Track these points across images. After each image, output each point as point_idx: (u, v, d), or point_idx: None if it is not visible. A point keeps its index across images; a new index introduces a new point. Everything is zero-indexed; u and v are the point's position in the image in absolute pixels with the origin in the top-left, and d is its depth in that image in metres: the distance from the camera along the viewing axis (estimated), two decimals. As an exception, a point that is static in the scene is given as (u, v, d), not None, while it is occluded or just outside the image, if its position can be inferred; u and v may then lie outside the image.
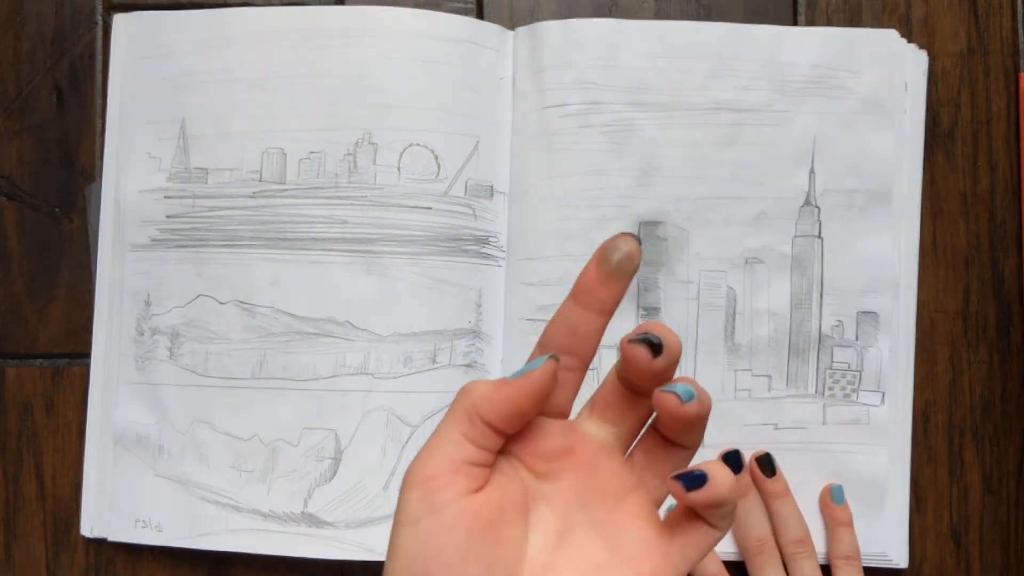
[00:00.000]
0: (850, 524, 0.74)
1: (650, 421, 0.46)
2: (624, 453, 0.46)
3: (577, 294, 0.43)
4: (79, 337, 0.78)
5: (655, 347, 0.41)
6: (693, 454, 0.46)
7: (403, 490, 0.41)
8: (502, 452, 0.43)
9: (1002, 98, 0.79)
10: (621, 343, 0.42)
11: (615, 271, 0.42)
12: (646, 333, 0.41)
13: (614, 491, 0.44)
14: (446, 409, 0.74)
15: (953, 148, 0.78)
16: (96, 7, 0.79)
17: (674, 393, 0.41)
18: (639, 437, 0.47)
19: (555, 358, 0.42)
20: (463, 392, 0.42)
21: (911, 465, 0.77)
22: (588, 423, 0.46)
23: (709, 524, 0.43)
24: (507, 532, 0.41)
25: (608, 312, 0.43)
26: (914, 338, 0.77)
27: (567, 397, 0.45)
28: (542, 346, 0.44)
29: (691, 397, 0.41)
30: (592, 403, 0.47)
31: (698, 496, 0.41)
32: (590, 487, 0.44)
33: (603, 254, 0.42)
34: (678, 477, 0.41)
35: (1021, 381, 0.78)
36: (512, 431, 0.42)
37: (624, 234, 0.42)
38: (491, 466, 0.42)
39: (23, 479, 0.78)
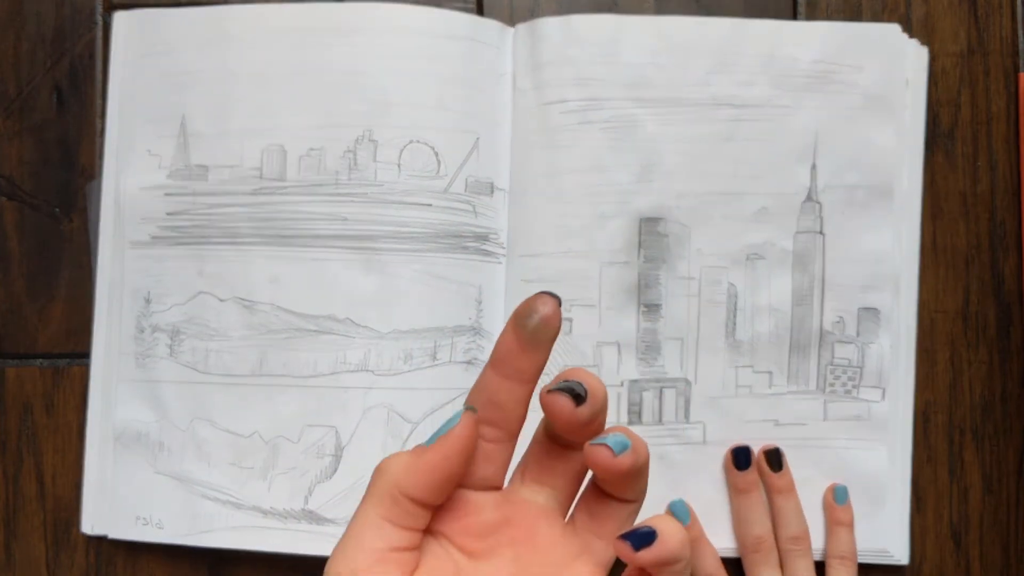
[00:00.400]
0: (850, 525, 0.74)
1: (588, 478, 0.43)
2: (564, 516, 0.43)
3: (495, 362, 0.39)
4: (79, 337, 0.78)
5: (577, 396, 0.38)
6: (639, 507, 0.43)
7: None
8: (430, 534, 0.40)
9: (1002, 98, 0.79)
10: (540, 394, 0.39)
11: (531, 338, 0.38)
12: (566, 381, 0.38)
13: (558, 560, 0.41)
14: (447, 406, 0.75)
15: (953, 148, 0.78)
16: (96, 7, 0.79)
17: (604, 445, 0.38)
18: (578, 497, 0.44)
19: (472, 410, 0.39)
20: (378, 471, 0.39)
21: (911, 465, 0.77)
22: (522, 489, 0.43)
23: None
24: None
25: (530, 381, 0.40)
26: (915, 335, 0.77)
27: (495, 470, 0.41)
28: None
29: (624, 448, 0.38)
30: (523, 466, 0.43)
31: (648, 555, 0.37)
32: (531, 560, 0.41)
33: (518, 318, 0.38)
34: (625, 537, 0.38)
35: (1021, 381, 0.78)
36: (440, 501, 0.39)
37: (542, 294, 0.38)
38: (419, 549, 0.39)
39: (23, 479, 0.78)
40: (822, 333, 0.76)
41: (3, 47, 0.79)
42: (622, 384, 0.75)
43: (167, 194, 0.76)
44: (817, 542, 0.75)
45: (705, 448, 0.76)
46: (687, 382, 0.76)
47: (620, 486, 0.41)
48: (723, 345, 0.76)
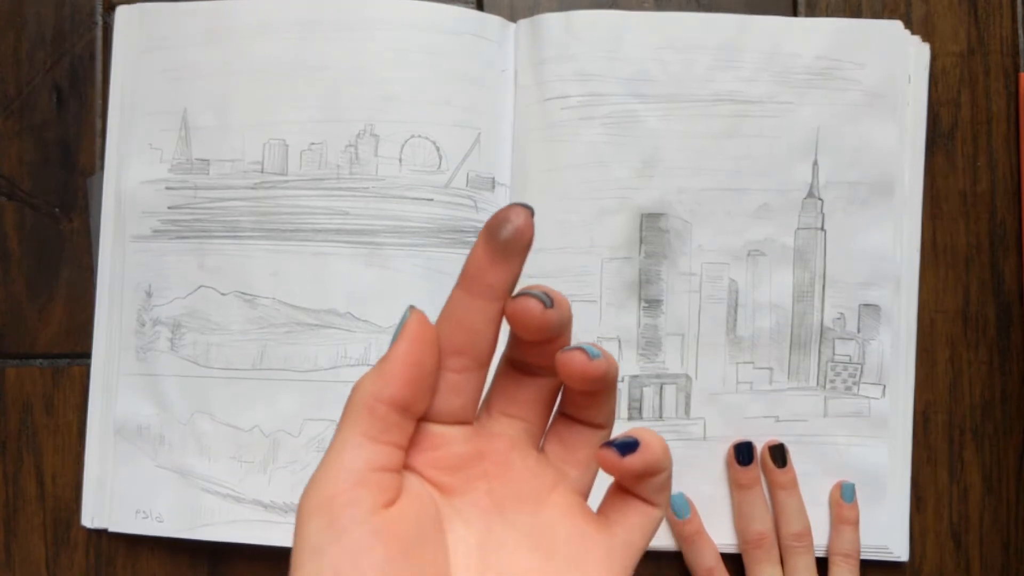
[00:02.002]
0: (855, 524, 0.74)
1: (556, 407, 0.42)
2: (536, 447, 0.41)
3: (465, 279, 0.37)
4: (79, 337, 0.78)
5: (544, 301, 0.36)
6: (609, 434, 0.42)
7: (299, 520, 0.35)
8: (405, 470, 0.38)
9: (1002, 98, 0.79)
10: (505, 308, 0.37)
11: (504, 248, 0.36)
12: (529, 288, 0.37)
13: (534, 490, 0.40)
14: None
15: (953, 148, 0.78)
16: (96, 7, 0.79)
17: (580, 349, 0.37)
18: (548, 428, 0.42)
19: (413, 307, 0.38)
20: (353, 390, 0.37)
21: (911, 465, 0.77)
22: (491, 423, 0.41)
23: (647, 502, 0.40)
24: (429, 550, 0.36)
25: (500, 298, 0.37)
26: (915, 332, 0.77)
27: (464, 403, 0.39)
28: None
29: (597, 354, 0.37)
30: (489, 400, 0.41)
31: (634, 461, 0.37)
32: (507, 491, 0.39)
33: (491, 230, 0.36)
34: (609, 444, 0.38)
35: (1021, 381, 0.78)
36: (419, 401, 0.37)
37: (514, 205, 0.36)
38: (400, 472, 0.37)
39: (23, 479, 0.78)
40: (823, 329, 0.76)
41: (3, 47, 0.79)
42: (623, 380, 0.75)
43: (168, 188, 0.76)
44: (817, 539, 0.75)
45: (705, 444, 0.76)
46: (688, 378, 0.76)
47: (591, 402, 0.40)
48: (724, 341, 0.76)
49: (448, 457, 0.38)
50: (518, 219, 0.36)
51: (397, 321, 0.38)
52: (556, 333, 0.38)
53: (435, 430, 0.38)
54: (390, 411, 0.36)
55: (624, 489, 0.40)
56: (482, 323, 0.37)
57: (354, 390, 0.37)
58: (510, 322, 0.38)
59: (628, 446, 0.38)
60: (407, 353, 0.36)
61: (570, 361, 0.37)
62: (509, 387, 0.41)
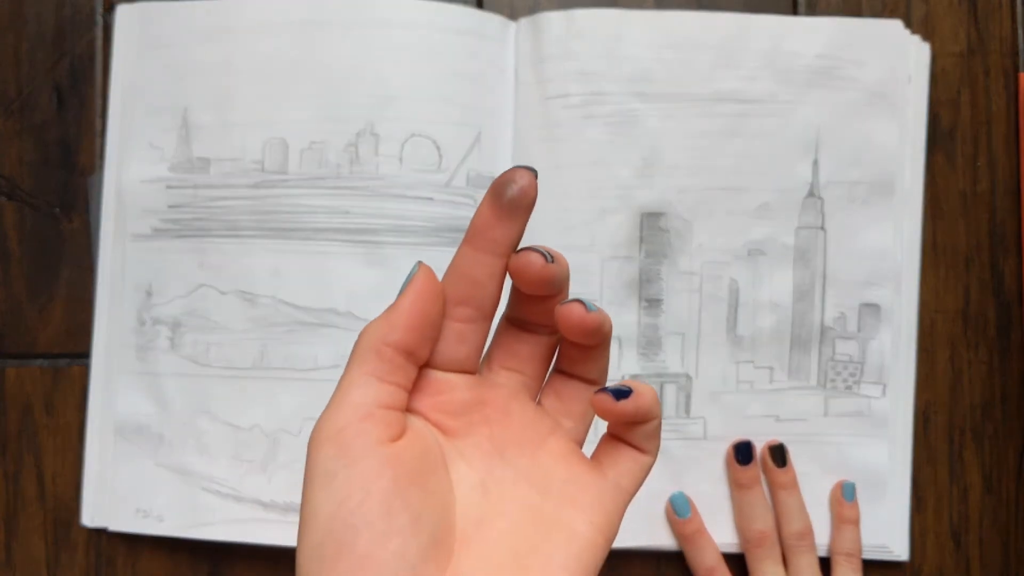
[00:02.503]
0: (856, 522, 0.75)
1: (552, 365, 0.45)
2: (534, 399, 0.45)
3: (471, 236, 0.40)
4: (79, 337, 0.78)
5: (545, 255, 0.39)
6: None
7: (311, 450, 0.38)
8: (409, 411, 0.41)
9: (1002, 98, 0.79)
10: (509, 263, 0.40)
11: (509, 206, 0.39)
12: (529, 246, 0.40)
13: (532, 436, 0.43)
14: None
15: (953, 148, 0.78)
16: (96, 7, 0.79)
17: (578, 301, 0.40)
18: (544, 384, 0.45)
19: (421, 262, 0.41)
20: (359, 336, 0.40)
21: (911, 463, 0.77)
22: (491, 375, 0.44)
23: (637, 448, 0.43)
24: (433, 481, 0.39)
25: (504, 254, 0.40)
26: (916, 331, 0.77)
27: (468, 352, 0.42)
28: None
29: (593, 308, 0.40)
30: (489, 357, 0.45)
31: (627, 405, 0.40)
32: (507, 436, 0.42)
33: (497, 189, 0.39)
34: (604, 390, 0.41)
35: (1021, 381, 0.78)
36: (423, 347, 0.40)
37: (519, 167, 0.39)
38: (404, 411, 0.40)
39: (23, 479, 0.78)
40: (823, 329, 0.76)
41: (3, 47, 0.79)
42: (623, 379, 0.75)
43: (168, 187, 0.76)
44: (818, 538, 0.75)
45: (705, 443, 0.76)
46: (688, 377, 0.76)
47: (587, 356, 0.43)
48: (724, 340, 0.76)
49: (452, 402, 0.41)
50: (522, 180, 0.39)
51: (406, 275, 0.41)
52: (556, 288, 0.41)
53: (441, 377, 0.41)
54: (396, 354, 0.39)
55: (616, 437, 0.43)
56: (486, 277, 0.40)
57: (362, 334, 0.40)
58: (513, 276, 0.41)
59: (622, 392, 0.40)
60: (413, 303, 0.39)
61: (569, 312, 0.40)
62: (509, 343, 0.44)
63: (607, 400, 0.40)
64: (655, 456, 0.43)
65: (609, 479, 0.42)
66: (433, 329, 0.40)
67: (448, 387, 0.42)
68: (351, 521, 0.36)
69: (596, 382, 0.45)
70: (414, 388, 0.41)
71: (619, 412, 0.41)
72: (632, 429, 0.42)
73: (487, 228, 0.40)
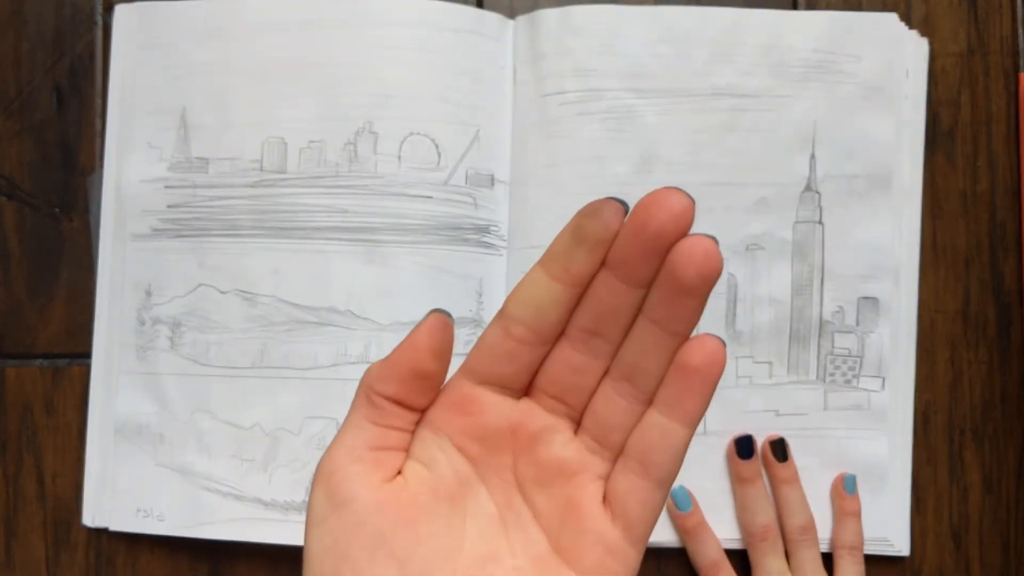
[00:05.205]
0: (858, 515, 0.74)
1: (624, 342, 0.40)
2: (571, 431, 0.41)
3: (545, 259, 0.38)
4: (79, 337, 0.78)
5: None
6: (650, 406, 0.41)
7: (311, 488, 0.38)
8: (432, 430, 0.40)
9: (1002, 98, 0.79)
10: (641, 201, 0.35)
11: (587, 239, 0.36)
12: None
13: (555, 476, 0.40)
14: None
15: (953, 148, 0.78)
16: (96, 7, 0.79)
17: (708, 236, 0.34)
18: (591, 402, 0.41)
19: (444, 312, 0.39)
20: (363, 374, 0.39)
21: (911, 460, 0.77)
22: (532, 402, 0.40)
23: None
24: (429, 526, 0.38)
25: (575, 285, 0.37)
26: (915, 327, 0.77)
27: (516, 372, 0.39)
28: (501, 314, 0.39)
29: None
30: (535, 383, 0.40)
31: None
32: (529, 472, 0.40)
33: (579, 219, 0.36)
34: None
35: (1021, 381, 0.78)
36: (418, 398, 0.39)
37: (609, 199, 0.36)
38: (404, 449, 0.39)
39: (23, 479, 0.78)
40: (822, 323, 0.76)
41: (3, 47, 0.79)
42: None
43: (168, 186, 0.76)
44: (820, 532, 0.75)
45: (706, 438, 0.76)
46: (687, 372, 0.76)
47: (692, 296, 0.36)
48: (723, 335, 0.76)
49: (480, 426, 0.40)
50: (608, 211, 0.36)
51: (419, 318, 0.39)
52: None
53: (477, 394, 0.40)
54: (387, 403, 0.39)
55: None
56: (549, 303, 0.38)
57: (364, 375, 0.39)
58: (641, 212, 0.35)
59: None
60: (405, 357, 0.38)
61: (695, 245, 0.34)
62: (559, 371, 0.40)
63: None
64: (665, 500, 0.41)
65: (619, 528, 0.39)
66: (428, 383, 0.39)
67: (479, 409, 0.40)
68: (339, 568, 0.36)
69: (681, 332, 0.37)
70: (446, 404, 0.40)
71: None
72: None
73: (562, 254, 0.37)
